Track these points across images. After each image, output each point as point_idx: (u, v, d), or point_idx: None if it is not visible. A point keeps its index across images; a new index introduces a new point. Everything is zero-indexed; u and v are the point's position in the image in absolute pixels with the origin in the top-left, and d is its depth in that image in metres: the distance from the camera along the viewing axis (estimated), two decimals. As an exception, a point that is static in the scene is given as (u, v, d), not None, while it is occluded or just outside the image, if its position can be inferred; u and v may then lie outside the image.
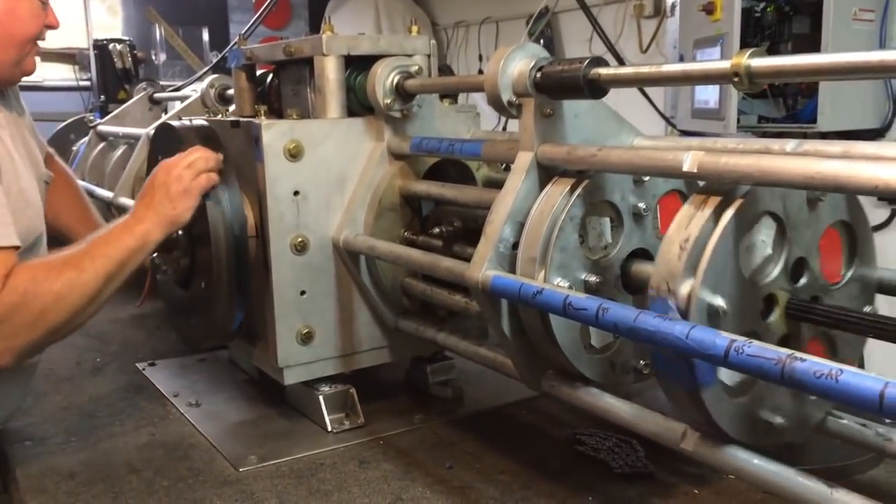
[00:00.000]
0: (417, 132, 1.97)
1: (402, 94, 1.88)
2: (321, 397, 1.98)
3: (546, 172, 1.50)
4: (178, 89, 3.78)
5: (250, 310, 1.97)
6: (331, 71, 1.93)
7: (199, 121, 2.06)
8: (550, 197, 1.44)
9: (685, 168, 1.20)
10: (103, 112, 3.91)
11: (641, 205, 1.47)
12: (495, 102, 1.51)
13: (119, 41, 3.94)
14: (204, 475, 1.75)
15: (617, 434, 1.82)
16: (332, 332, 1.98)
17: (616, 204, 1.46)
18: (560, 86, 1.40)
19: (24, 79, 1.90)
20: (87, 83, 5.28)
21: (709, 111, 3.61)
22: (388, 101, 1.88)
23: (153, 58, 5.69)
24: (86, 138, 3.79)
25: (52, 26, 1.90)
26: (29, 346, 1.58)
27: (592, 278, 1.43)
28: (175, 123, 1.97)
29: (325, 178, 1.92)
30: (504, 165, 2.11)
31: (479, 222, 1.80)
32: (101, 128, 3.51)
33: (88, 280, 1.57)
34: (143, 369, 2.44)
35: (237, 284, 1.88)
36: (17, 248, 1.56)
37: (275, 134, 1.84)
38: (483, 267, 1.46)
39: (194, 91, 3.08)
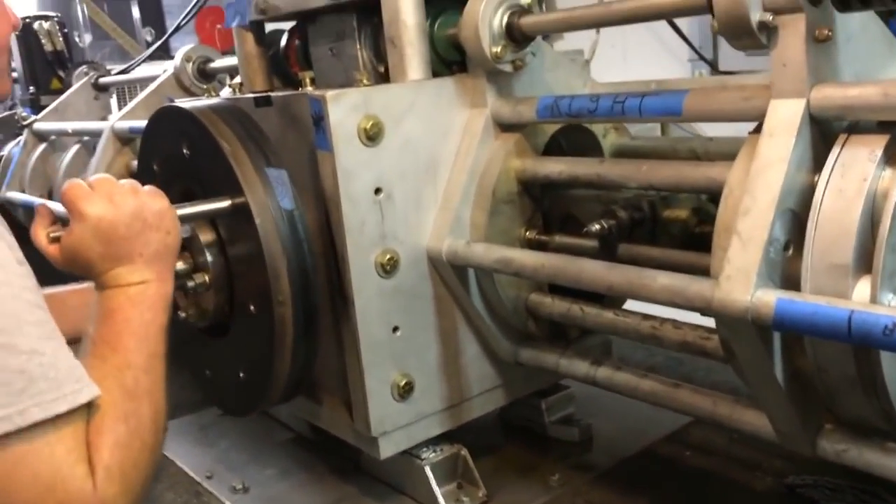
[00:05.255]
0: (525, 91, 1.42)
1: (518, 37, 1.33)
2: (427, 468, 1.44)
3: (819, 130, 0.98)
4: (125, 71, 3.10)
5: (316, 355, 1.41)
6: (408, 13, 1.35)
7: (216, 100, 1.46)
8: (855, 165, 0.92)
9: None
10: (35, 106, 3.20)
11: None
12: (735, 26, 0.97)
13: (45, 17, 3.23)
14: None
15: (850, 481, 1.35)
16: (436, 379, 1.44)
17: (950, 169, 0.95)
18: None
19: None
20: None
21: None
22: (498, 49, 1.32)
23: (77, 39, 4.89)
24: (15, 141, 3.08)
25: (16, 27, 1.27)
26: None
27: (934, 288, 0.92)
28: (186, 105, 1.36)
29: (413, 166, 1.36)
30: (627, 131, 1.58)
31: (649, 211, 1.28)
32: (38, 125, 2.82)
33: (150, 384, 0.99)
34: (152, 439, 1.83)
35: (303, 321, 1.32)
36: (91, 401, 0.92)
37: (346, 108, 1.27)
38: (752, 284, 0.94)
39: (164, 70, 2.43)
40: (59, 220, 1.12)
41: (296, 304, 1.30)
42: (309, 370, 1.39)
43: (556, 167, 1.33)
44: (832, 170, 0.94)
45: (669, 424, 1.62)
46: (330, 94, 1.26)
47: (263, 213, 1.28)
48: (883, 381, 0.92)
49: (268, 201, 1.29)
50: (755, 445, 1.47)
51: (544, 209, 1.43)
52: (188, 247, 1.35)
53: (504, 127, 1.40)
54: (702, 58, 3.43)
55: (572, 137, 1.51)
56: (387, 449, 1.40)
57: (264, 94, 1.48)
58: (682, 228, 1.24)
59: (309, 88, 1.39)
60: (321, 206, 1.33)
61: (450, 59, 1.45)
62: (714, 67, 3.41)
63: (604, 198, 1.35)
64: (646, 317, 1.25)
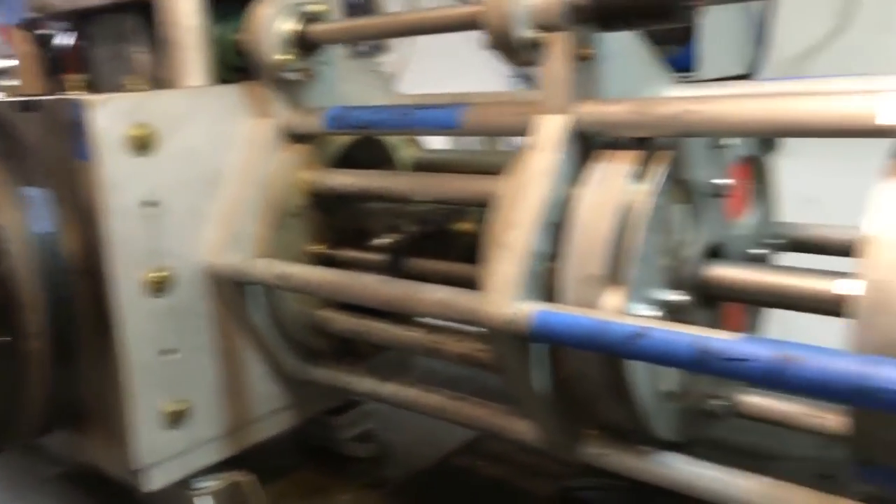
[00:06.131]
0: (319, 101, 1.38)
1: (306, 45, 1.29)
2: (202, 498, 1.34)
3: (583, 144, 1.01)
4: None
5: (79, 385, 1.29)
6: (187, 14, 1.29)
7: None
8: (610, 179, 0.95)
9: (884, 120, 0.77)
10: None
11: (721, 181, 1.03)
12: (504, 43, 0.99)
13: None
14: None
15: (616, 480, 1.39)
16: (215, 402, 1.35)
17: (693, 183, 1.01)
18: (630, 7, 0.91)
19: None
20: None
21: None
22: (283, 57, 1.28)
23: None
24: None
25: None
26: None
27: (678, 297, 0.97)
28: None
29: (193, 178, 1.28)
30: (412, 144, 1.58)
31: (439, 225, 1.28)
32: None
33: None
34: None
35: (62, 350, 1.20)
36: None
37: (112, 115, 1.17)
38: (513, 296, 0.94)
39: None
40: None
41: (52, 336, 1.18)
42: (68, 403, 1.27)
43: (346, 180, 1.30)
44: (590, 183, 0.97)
45: (465, 434, 1.62)
46: (93, 98, 1.16)
47: (16, 238, 1.15)
48: (631, 386, 0.95)
49: (22, 224, 1.17)
50: (539, 452, 1.50)
51: (338, 223, 1.39)
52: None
53: (294, 138, 1.35)
54: (518, 75, 3.55)
55: (367, 150, 1.49)
56: (156, 479, 1.29)
57: (30, 99, 1.35)
58: (469, 241, 1.23)
59: (76, 93, 1.29)
60: (84, 219, 1.22)
61: (238, 65, 1.39)
62: (534, 83, 3.55)
63: (396, 211, 1.33)
64: (431, 329, 1.23)
